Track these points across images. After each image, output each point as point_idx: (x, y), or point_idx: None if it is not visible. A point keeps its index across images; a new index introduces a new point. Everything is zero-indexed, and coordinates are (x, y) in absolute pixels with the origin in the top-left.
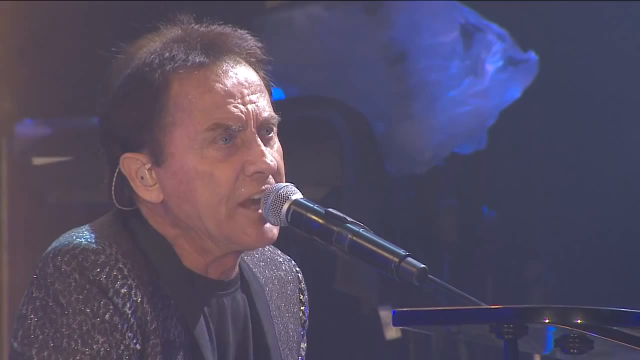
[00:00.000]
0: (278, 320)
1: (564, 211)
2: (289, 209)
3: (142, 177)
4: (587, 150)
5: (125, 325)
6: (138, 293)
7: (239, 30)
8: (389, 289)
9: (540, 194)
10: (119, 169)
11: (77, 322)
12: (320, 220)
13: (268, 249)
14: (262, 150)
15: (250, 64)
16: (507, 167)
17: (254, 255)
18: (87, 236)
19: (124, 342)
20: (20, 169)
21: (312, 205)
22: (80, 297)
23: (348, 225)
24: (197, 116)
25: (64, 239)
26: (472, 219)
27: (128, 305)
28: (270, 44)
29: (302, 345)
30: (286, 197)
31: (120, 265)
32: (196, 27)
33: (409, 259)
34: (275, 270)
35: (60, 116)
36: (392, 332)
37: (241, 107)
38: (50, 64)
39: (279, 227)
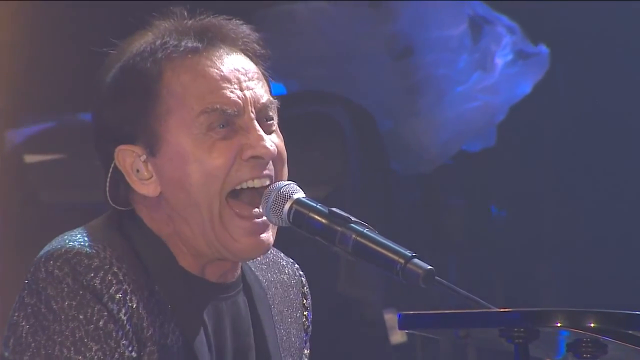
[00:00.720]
0: (280, 326)
1: (576, 211)
2: (290, 208)
3: (137, 170)
4: (600, 147)
5: (121, 332)
6: (134, 298)
7: (234, 20)
8: (395, 291)
9: (552, 193)
10: (114, 165)
11: (70, 329)
12: (323, 220)
13: (271, 251)
14: (260, 135)
15: (247, 55)
16: (517, 165)
17: (256, 259)
18: (81, 239)
19: (118, 349)
20: (12, 166)
21: (314, 205)
22: (74, 303)
23: (352, 225)
24: (192, 102)
25: (56, 242)
26: (481, 219)
27: (123, 311)
28: (272, 37)
29: (305, 352)
30: (288, 196)
31: (115, 270)
32: (189, 19)
33: (416, 260)
34: (278, 273)
35: (53, 113)
36: (398, 337)
37: (238, 92)
38: (42, 59)
39: (275, 231)
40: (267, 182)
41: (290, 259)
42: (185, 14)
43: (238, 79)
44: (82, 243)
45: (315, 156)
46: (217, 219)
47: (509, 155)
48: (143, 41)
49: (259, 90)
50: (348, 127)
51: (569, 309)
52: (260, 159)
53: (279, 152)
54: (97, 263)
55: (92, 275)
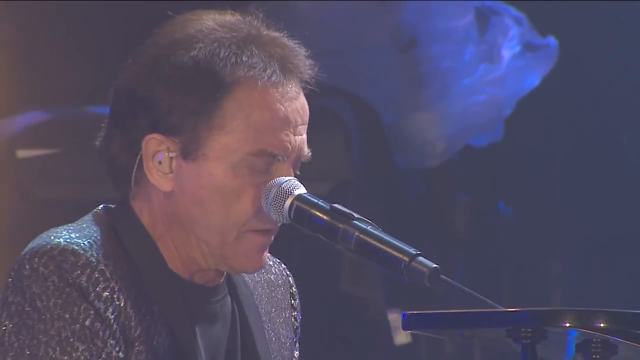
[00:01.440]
0: (268, 326)
1: (586, 207)
2: (291, 204)
3: (159, 162)
4: (611, 142)
5: (108, 332)
6: (121, 297)
7: (302, 49)
8: (399, 290)
9: (561, 189)
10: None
11: (55, 328)
12: (325, 217)
13: None
14: None
15: (304, 91)
16: (525, 160)
17: None
18: (67, 236)
19: (105, 349)
20: (3, 162)
21: (316, 201)
22: (59, 301)
23: (355, 222)
24: (249, 132)
25: (41, 239)
26: (488, 215)
27: (110, 309)
28: (308, 56)
29: (295, 353)
30: (289, 192)
31: (102, 267)
32: (268, 31)
33: (420, 258)
34: (265, 273)
35: (46, 106)
36: (402, 337)
37: (292, 137)
38: (36, 52)
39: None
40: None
41: (277, 259)
42: (260, 16)
43: (296, 121)
44: (68, 240)
45: (317, 151)
46: (231, 241)
47: (517, 150)
48: (225, 42)
49: (305, 137)
50: (351, 121)
51: (578, 308)
52: None
53: None
54: (83, 260)
55: (79, 272)
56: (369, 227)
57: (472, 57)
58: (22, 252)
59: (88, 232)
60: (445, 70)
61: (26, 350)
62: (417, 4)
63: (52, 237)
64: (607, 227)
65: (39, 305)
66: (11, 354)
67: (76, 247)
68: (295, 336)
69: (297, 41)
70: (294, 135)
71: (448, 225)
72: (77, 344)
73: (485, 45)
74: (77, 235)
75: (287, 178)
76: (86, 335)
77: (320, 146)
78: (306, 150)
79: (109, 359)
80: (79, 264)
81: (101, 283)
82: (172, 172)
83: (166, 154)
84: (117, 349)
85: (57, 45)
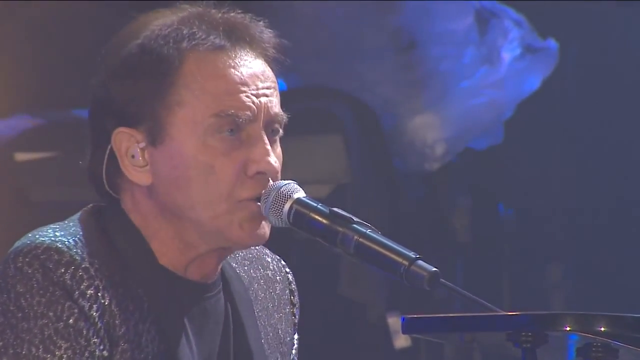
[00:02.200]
0: (265, 322)
1: (586, 211)
2: (290, 208)
3: (132, 156)
4: (611, 145)
5: (92, 330)
6: (106, 295)
7: (260, 21)
8: (398, 294)
9: (561, 192)
10: (110, 147)
11: (38, 326)
12: (325, 221)
13: (255, 247)
14: (267, 149)
15: (267, 61)
16: (524, 163)
17: (238, 255)
18: (51, 235)
19: (89, 348)
20: (2, 165)
21: (315, 205)
22: (43, 299)
23: (354, 225)
24: (207, 100)
25: (26, 238)
26: (488, 218)
27: (95, 307)
28: (271, 30)
29: (292, 350)
30: (288, 196)
31: (87, 265)
32: (216, 10)
33: (420, 262)
34: (262, 270)
35: (44, 109)
36: (402, 341)
37: (253, 98)
38: (34, 55)
39: (270, 227)
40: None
41: (277, 256)
42: (212, 4)
43: (256, 84)
44: (52, 238)
45: (316, 154)
46: (222, 212)
47: (517, 153)
48: (167, 23)
49: (273, 100)
50: (350, 123)
51: (579, 312)
52: (263, 174)
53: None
54: (67, 258)
55: (62, 271)
56: (368, 231)
57: (472, 60)
58: (8, 252)
59: (74, 230)
60: (445, 73)
61: (10, 349)
62: (417, 6)
63: (37, 236)
64: (608, 230)
65: (23, 304)
66: None
67: (60, 245)
68: (294, 331)
69: (264, 22)
70: (256, 97)
71: (448, 228)
72: (60, 342)
73: (485, 47)
74: (62, 233)
75: (286, 182)
76: (69, 334)
77: (319, 149)
78: (278, 112)
79: (92, 358)
80: (63, 261)
81: (85, 281)
82: (147, 164)
83: (136, 146)
84: (101, 347)
85: (56, 47)
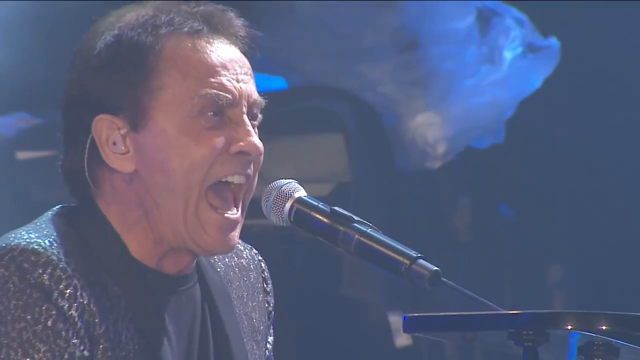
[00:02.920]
0: (241, 311)
1: (588, 210)
2: (292, 207)
3: (114, 143)
4: (613, 144)
5: (71, 331)
6: (84, 294)
7: (233, 11)
8: (399, 293)
9: (562, 192)
10: (90, 139)
11: (16, 330)
12: (325, 220)
13: None
14: (249, 130)
15: (241, 50)
16: (526, 163)
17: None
18: (26, 237)
19: (68, 349)
20: (3, 164)
21: (316, 204)
22: (20, 302)
23: (355, 224)
24: (190, 82)
25: (0, 241)
26: (489, 218)
27: (74, 307)
28: (272, 30)
29: (269, 338)
30: (289, 195)
31: (64, 265)
32: (187, 4)
33: (421, 261)
34: (236, 258)
35: (45, 109)
36: (403, 339)
37: (234, 82)
38: (36, 53)
39: (239, 231)
40: (244, 181)
41: (248, 244)
42: None
43: (235, 70)
44: (27, 239)
45: (317, 153)
46: (192, 209)
47: (518, 152)
48: (143, 13)
49: (252, 86)
50: (351, 122)
51: (580, 311)
52: (247, 155)
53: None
54: (44, 259)
55: (40, 271)
56: (369, 230)
57: (473, 59)
58: None
59: (47, 231)
60: (447, 72)
61: None
62: (418, 5)
63: (12, 239)
64: (609, 230)
65: None
66: None
67: (36, 247)
68: (269, 320)
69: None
70: (237, 82)
71: (449, 228)
72: (39, 345)
73: (486, 46)
74: (37, 235)
75: (287, 181)
76: (48, 336)
77: (320, 148)
78: (258, 98)
79: (71, 358)
80: (40, 262)
81: (63, 281)
82: (128, 150)
83: (117, 132)
84: (81, 347)
85: (59, 46)
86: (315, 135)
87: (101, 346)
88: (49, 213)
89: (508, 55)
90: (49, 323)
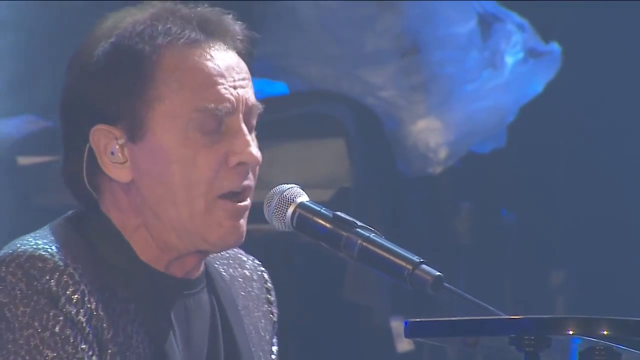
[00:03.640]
0: (247, 320)
1: (589, 214)
2: (294, 212)
3: (111, 153)
4: (614, 149)
5: (79, 337)
6: (92, 299)
7: (230, 15)
8: (402, 298)
9: (564, 196)
10: (89, 145)
11: (24, 337)
12: (328, 225)
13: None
14: (247, 140)
15: (239, 53)
16: (528, 167)
17: (216, 255)
18: (33, 243)
19: (77, 355)
20: (4, 169)
21: (318, 209)
22: (27, 309)
23: (357, 230)
24: (186, 93)
25: (7, 248)
26: (491, 222)
27: (82, 312)
28: (273, 33)
29: (273, 349)
30: (291, 200)
31: (71, 270)
32: (184, 5)
33: (424, 266)
34: (240, 268)
35: (47, 113)
36: (405, 344)
37: (231, 89)
38: (38, 58)
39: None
40: (247, 185)
41: (251, 256)
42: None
43: (233, 77)
44: (34, 246)
45: (318, 157)
46: (200, 213)
47: (520, 157)
48: (140, 20)
49: (249, 91)
50: (352, 127)
51: (582, 316)
52: (245, 165)
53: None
54: (51, 265)
55: (47, 277)
56: (371, 235)
57: (475, 63)
58: None
59: (54, 237)
60: (448, 77)
61: None
62: (420, 10)
63: (18, 245)
64: (611, 234)
65: (7, 314)
66: None
67: (43, 253)
68: (274, 330)
69: (230, 13)
70: (234, 88)
71: (451, 233)
72: (47, 351)
73: (488, 51)
74: (44, 241)
75: (289, 186)
76: (56, 342)
77: (321, 153)
78: (255, 103)
79: None
80: (47, 268)
81: (71, 286)
82: (126, 160)
83: (115, 142)
84: (89, 353)
85: (59, 49)
86: (316, 140)
87: (110, 351)
88: (59, 219)
89: (509, 60)
90: (57, 329)
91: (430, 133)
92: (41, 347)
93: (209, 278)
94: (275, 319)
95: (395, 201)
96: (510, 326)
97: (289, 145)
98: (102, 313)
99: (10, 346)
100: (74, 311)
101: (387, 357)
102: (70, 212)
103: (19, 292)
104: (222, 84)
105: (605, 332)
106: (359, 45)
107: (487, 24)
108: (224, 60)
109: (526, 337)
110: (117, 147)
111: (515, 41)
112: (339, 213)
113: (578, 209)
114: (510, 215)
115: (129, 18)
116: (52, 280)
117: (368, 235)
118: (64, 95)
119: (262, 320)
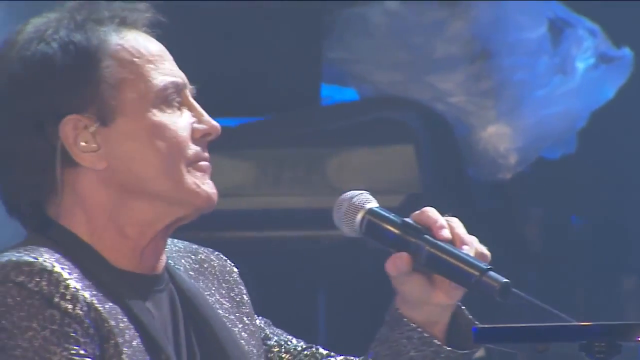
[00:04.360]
0: (213, 299)
1: None
2: (363, 218)
3: (84, 142)
4: None
5: (80, 331)
6: (86, 294)
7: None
8: (469, 303)
9: (635, 202)
10: (61, 142)
11: (27, 340)
12: (396, 231)
13: (175, 241)
14: (203, 112)
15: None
16: (598, 173)
17: (166, 248)
18: (15, 252)
19: (81, 348)
20: None
21: (388, 215)
22: (23, 314)
23: (426, 236)
24: (148, 72)
25: None
26: (561, 228)
27: (79, 306)
28: (343, 40)
29: (258, 323)
30: (360, 206)
31: (59, 270)
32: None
33: (491, 272)
34: (194, 256)
35: None
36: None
37: (174, 68)
38: None
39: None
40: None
41: (210, 249)
42: None
43: (169, 57)
44: (17, 255)
45: (388, 164)
46: (182, 179)
47: (590, 163)
48: (63, 18)
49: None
50: (422, 133)
51: None
52: (209, 136)
53: None
54: (38, 267)
55: (37, 279)
56: (439, 242)
57: (545, 69)
58: None
59: (32, 247)
60: (519, 82)
61: None
62: (490, 16)
63: (1, 258)
64: None
65: (4, 323)
66: None
67: (27, 258)
68: (249, 308)
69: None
70: (173, 67)
71: (520, 239)
72: (53, 348)
73: (559, 57)
74: (24, 252)
75: (359, 192)
76: (59, 338)
77: (391, 159)
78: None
79: (88, 357)
80: (35, 271)
81: (62, 284)
82: (99, 147)
83: (86, 131)
84: (92, 345)
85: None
86: (386, 146)
87: (112, 341)
88: (23, 240)
89: (580, 65)
90: (56, 326)
91: (500, 139)
92: (46, 346)
93: (169, 272)
94: (247, 298)
95: (464, 207)
96: (580, 332)
97: (359, 151)
98: (98, 306)
99: (17, 352)
100: (70, 307)
101: None
102: (29, 234)
103: (10, 299)
104: (168, 60)
105: None
106: (428, 51)
107: (558, 29)
108: (156, 44)
109: (597, 344)
110: (89, 135)
111: (586, 47)
112: (408, 219)
113: None
114: (581, 221)
115: (50, 16)
116: (43, 281)
117: (436, 241)
118: (10, 95)
119: (241, 306)
